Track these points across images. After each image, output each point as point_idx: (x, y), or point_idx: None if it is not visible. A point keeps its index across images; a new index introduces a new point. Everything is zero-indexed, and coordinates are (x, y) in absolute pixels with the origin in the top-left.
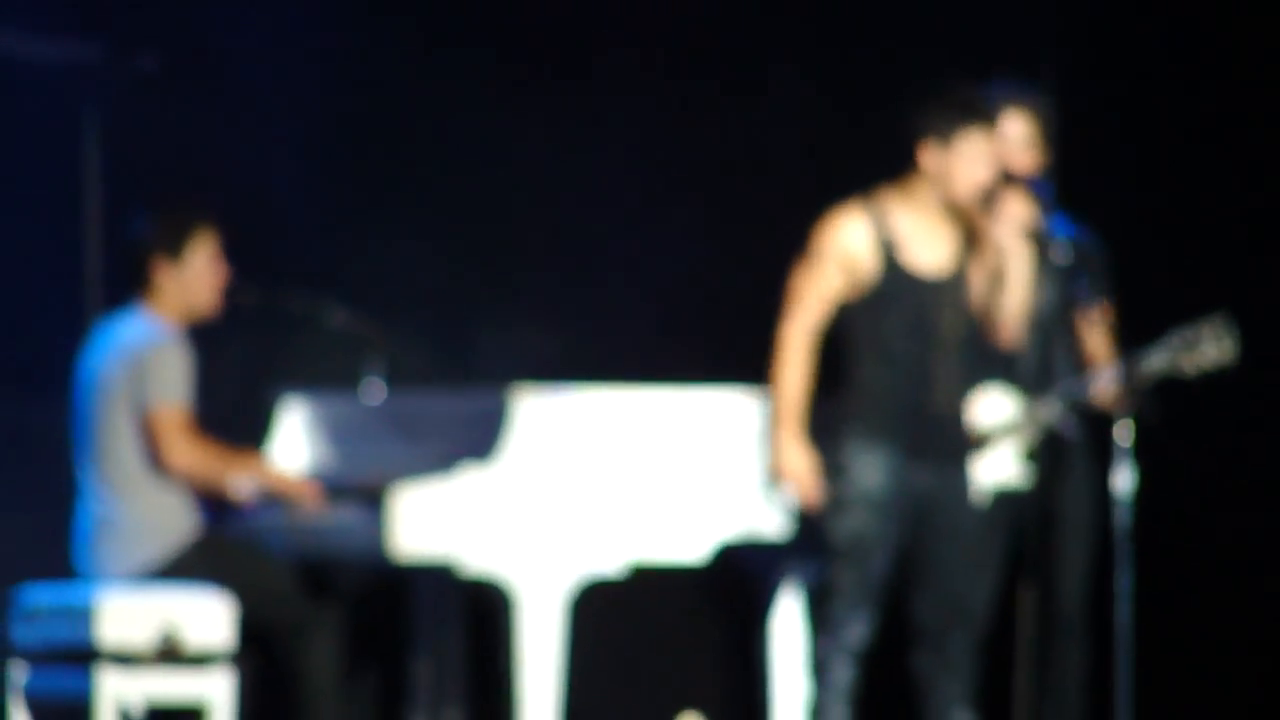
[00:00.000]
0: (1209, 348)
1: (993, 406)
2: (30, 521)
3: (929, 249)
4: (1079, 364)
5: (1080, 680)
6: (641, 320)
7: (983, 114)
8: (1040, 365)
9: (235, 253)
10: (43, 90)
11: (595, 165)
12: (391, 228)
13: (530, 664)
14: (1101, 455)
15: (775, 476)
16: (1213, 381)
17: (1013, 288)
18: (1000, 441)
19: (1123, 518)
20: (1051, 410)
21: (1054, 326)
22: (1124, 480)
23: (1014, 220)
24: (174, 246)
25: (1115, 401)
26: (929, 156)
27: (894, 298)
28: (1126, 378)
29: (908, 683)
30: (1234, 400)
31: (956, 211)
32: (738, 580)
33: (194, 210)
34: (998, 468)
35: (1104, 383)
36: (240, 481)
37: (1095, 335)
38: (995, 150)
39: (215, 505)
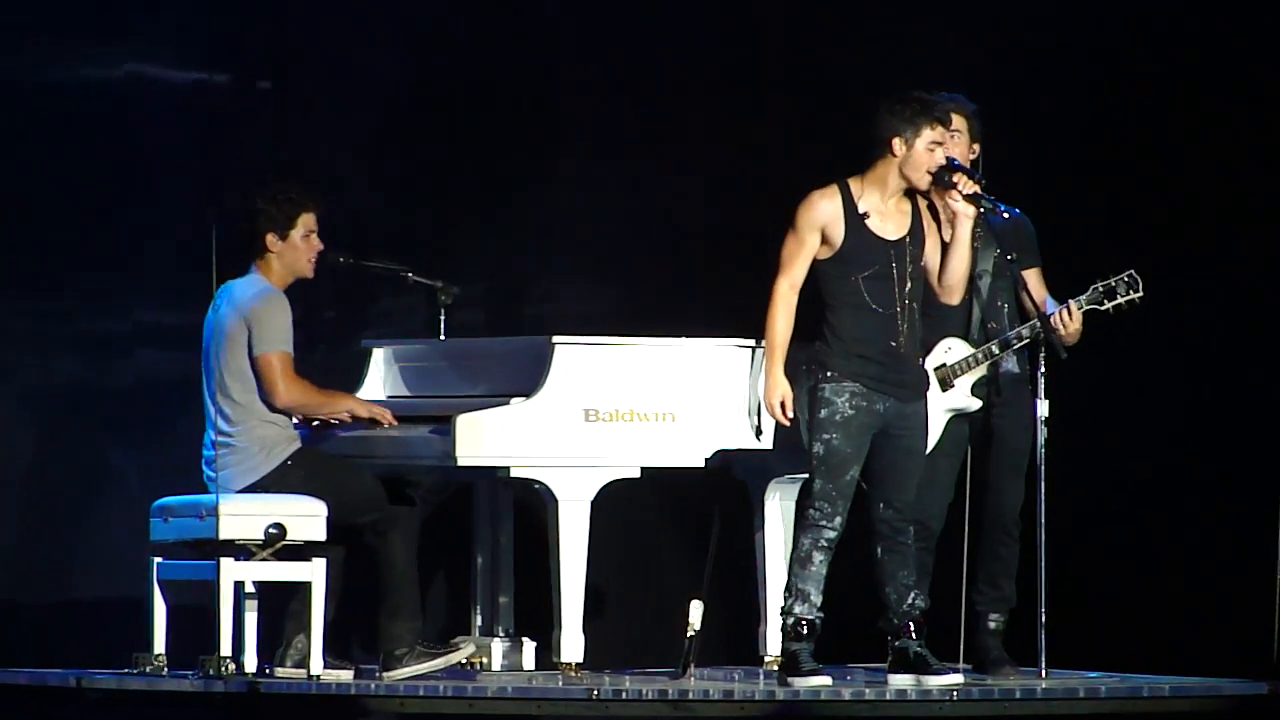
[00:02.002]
0: (1123, 294)
1: (947, 349)
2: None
3: (889, 220)
4: (1021, 316)
5: (1011, 572)
6: (657, 281)
7: (938, 114)
8: (982, 317)
9: (330, 228)
10: (186, 106)
11: (622, 145)
12: (454, 208)
13: (565, 552)
14: (1034, 388)
15: (767, 401)
16: (1115, 322)
17: (958, 254)
18: (953, 377)
19: (1042, 437)
20: (993, 351)
21: (996, 285)
22: (1044, 406)
23: (958, 200)
24: (282, 225)
25: (1075, 324)
26: (897, 147)
27: (862, 258)
28: (1048, 331)
29: (869, 569)
30: (1129, 339)
31: (912, 192)
32: (732, 483)
33: (297, 195)
34: (952, 399)
35: (1069, 312)
36: (334, 413)
37: (1031, 292)
38: (945, 142)
39: (314, 428)
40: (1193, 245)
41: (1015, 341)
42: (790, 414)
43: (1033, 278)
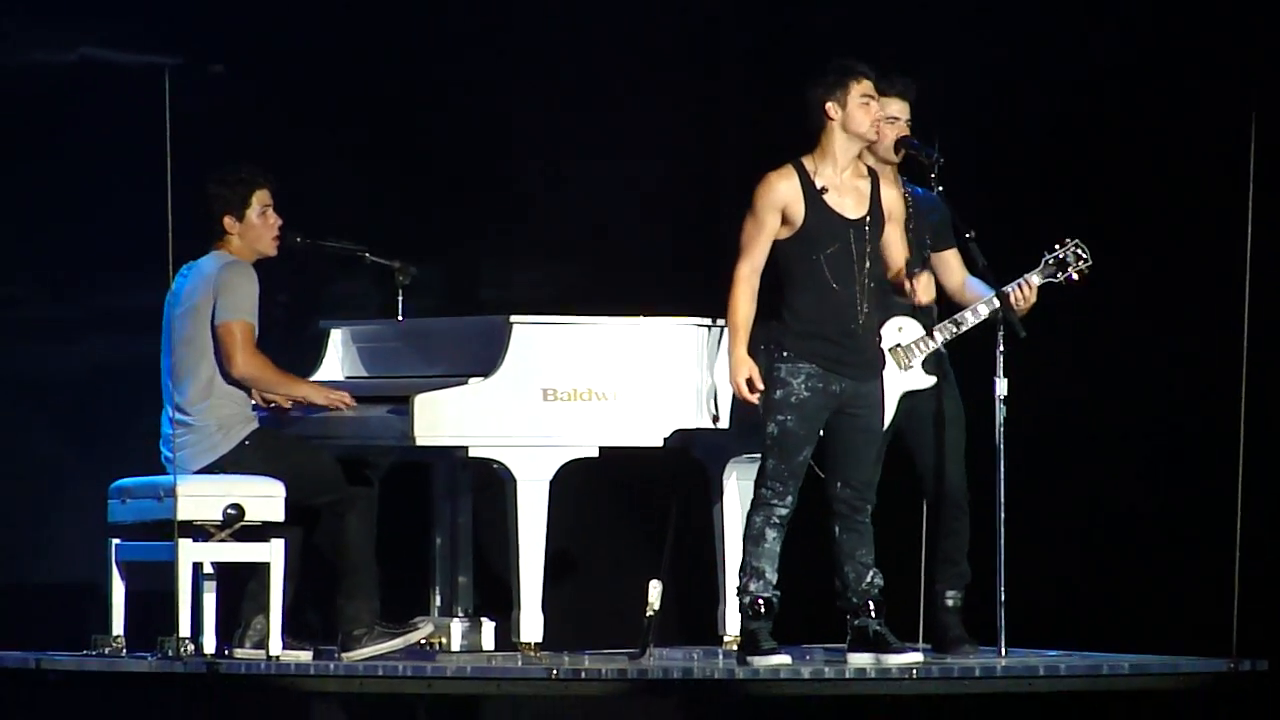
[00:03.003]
0: (1073, 263)
1: (899, 328)
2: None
3: (847, 196)
4: (938, 296)
5: (965, 548)
6: (615, 260)
7: (861, 69)
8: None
9: (285, 210)
10: (139, 89)
11: (588, 134)
12: (409, 189)
13: (524, 532)
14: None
15: (733, 380)
16: (1069, 295)
17: (897, 233)
18: (909, 357)
19: (1001, 416)
20: (950, 329)
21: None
22: (1003, 385)
23: (892, 179)
24: (237, 205)
25: (1032, 298)
26: (832, 110)
27: (821, 236)
28: (1006, 310)
29: (824, 547)
30: (1081, 317)
31: (872, 172)
32: (690, 463)
33: (247, 174)
34: (908, 379)
35: (1029, 286)
36: (291, 397)
37: (953, 273)
38: (875, 96)
39: (272, 409)
40: (1139, 211)
41: (972, 319)
42: (760, 389)
43: (951, 259)
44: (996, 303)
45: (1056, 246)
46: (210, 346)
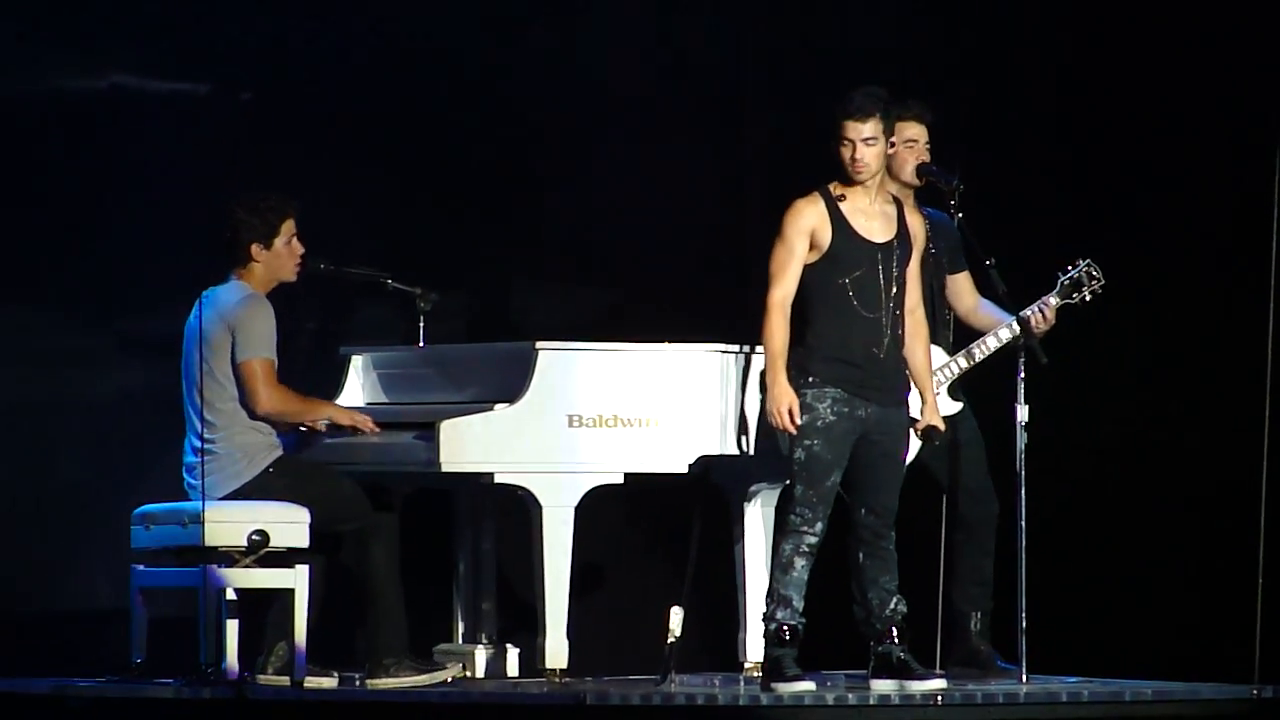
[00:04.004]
0: (1088, 284)
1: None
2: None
3: (874, 221)
4: (949, 321)
5: (989, 567)
6: (640, 285)
7: (840, 109)
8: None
9: (310, 237)
10: (168, 115)
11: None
12: (432, 214)
13: (549, 558)
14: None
15: (773, 409)
16: (1088, 318)
17: (917, 261)
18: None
19: (1022, 442)
20: (973, 355)
21: (934, 290)
22: (1024, 411)
23: (914, 206)
24: (265, 234)
25: (1051, 321)
26: (836, 148)
27: (849, 259)
28: (1025, 333)
29: (849, 573)
30: (1101, 339)
31: (886, 195)
32: (713, 489)
33: (277, 201)
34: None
35: (1049, 309)
36: (315, 420)
37: (964, 296)
38: (853, 138)
39: (296, 435)
40: (1162, 229)
41: (993, 343)
42: (798, 421)
43: (963, 282)
44: (1017, 327)
45: (1069, 267)
46: (230, 377)
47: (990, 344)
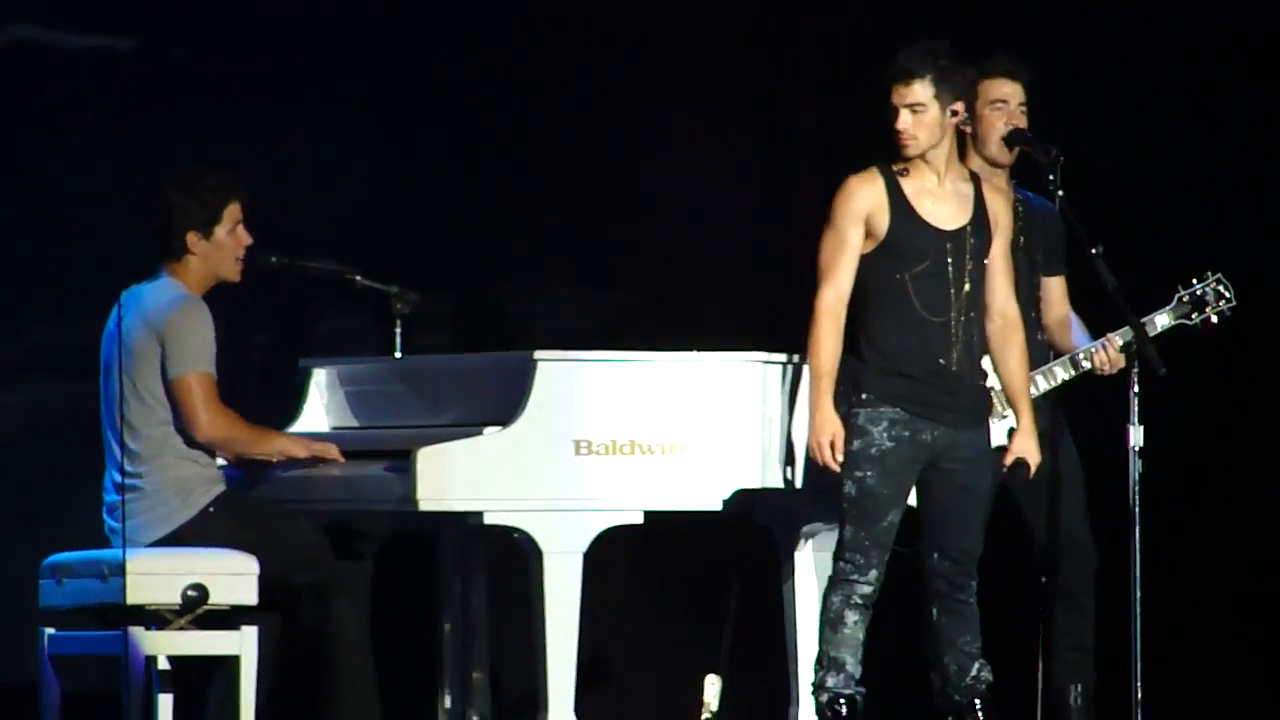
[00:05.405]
0: (1213, 303)
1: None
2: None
3: (944, 204)
4: (1038, 330)
5: (1089, 632)
6: (663, 282)
7: (889, 73)
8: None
9: (259, 223)
10: (83, 78)
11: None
12: (411, 197)
13: (552, 616)
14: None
15: (814, 440)
16: (1202, 335)
17: (1001, 251)
18: (1000, 402)
19: (1135, 472)
20: (1056, 374)
21: (1022, 291)
22: (1138, 434)
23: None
24: (205, 221)
25: (1113, 363)
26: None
27: (911, 249)
28: (1139, 339)
29: (917, 633)
30: (1226, 353)
31: (962, 172)
32: (754, 530)
33: (218, 182)
34: (1001, 427)
35: (1105, 347)
36: (266, 454)
37: (1055, 306)
38: (898, 104)
39: (244, 468)
40: None
41: (1045, 385)
42: (840, 457)
43: (1056, 288)
44: (1076, 368)
45: (1194, 281)
46: (161, 396)
47: (1040, 384)
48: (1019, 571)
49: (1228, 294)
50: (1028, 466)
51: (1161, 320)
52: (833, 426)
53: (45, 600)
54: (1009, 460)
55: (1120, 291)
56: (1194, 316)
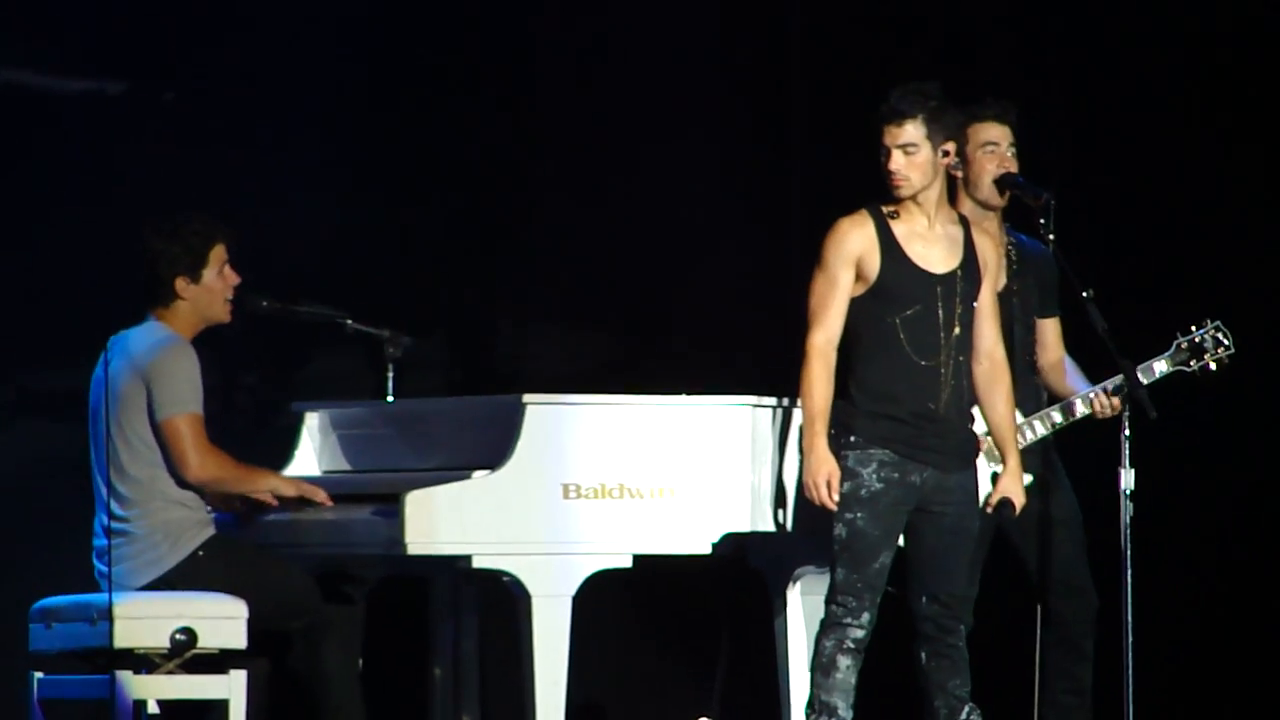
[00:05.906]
0: (1212, 350)
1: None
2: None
3: (934, 248)
4: (1032, 374)
5: (1087, 677)
6: (654, 326)
7: (880, 115)
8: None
9: (249, 266)
10: (76, 120)
11: (607, 176)
12: (409, 238)
13: (541, 660)
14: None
15: (809, 480)
16: (1200, 382)
17: (990, 296)
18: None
19: (1126, 515)
20: (1053, 419)
21: (1016, 335)
22: (1129, 477)
23: (989, 225)
24: (191, 265)
25: (1112, 407)
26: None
27: (901, 293)
28: (1131, 382)
29: (909, 675)
30: (1221, 398)
31: (951, 215)
32: (745, 574)
33: (211, 225)
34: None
35: (1104, 392)
36: (256, 491)
37: (1049, 347)
38: (889, 144)
39: (240, 513)
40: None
41: (1042, 430)
42: (836, 497)
43: (1051, 330)
44: (1072, 415)
45: (1193, 328)
46: (149, 439)
47: (1035, 429)
48: (1013, 614)
49: (1226, 341)
50: (1013, 506)
51: (1160, 367)
52: (828, 466)
53: (35, 644)
54: (994, 500)
55: (1111, 335)
56: (1192, 364)
